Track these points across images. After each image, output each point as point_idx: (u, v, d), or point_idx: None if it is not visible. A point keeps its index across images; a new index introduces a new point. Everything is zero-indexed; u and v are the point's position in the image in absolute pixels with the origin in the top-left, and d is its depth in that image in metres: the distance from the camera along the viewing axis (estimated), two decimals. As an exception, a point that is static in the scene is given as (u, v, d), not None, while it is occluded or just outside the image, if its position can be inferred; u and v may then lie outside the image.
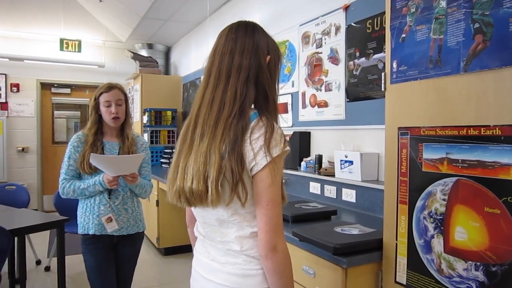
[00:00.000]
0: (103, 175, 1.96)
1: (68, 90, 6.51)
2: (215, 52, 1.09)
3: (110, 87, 2.08)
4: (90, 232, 2.03)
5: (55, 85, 6.40)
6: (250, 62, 1.05)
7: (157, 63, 5.81)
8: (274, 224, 0.98)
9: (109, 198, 2.04)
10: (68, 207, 3.68)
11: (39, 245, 4.23)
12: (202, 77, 1.13)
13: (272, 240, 0.98)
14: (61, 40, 5.74)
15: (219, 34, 1.12)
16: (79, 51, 5.89)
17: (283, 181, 1.07)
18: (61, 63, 6.01)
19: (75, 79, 6.39)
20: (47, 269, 3.71)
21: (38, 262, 3.86)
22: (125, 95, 2.15)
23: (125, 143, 2.12)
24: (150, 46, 6.17)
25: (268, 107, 1.07)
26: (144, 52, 6.06)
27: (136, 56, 5.72)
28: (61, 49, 5.76)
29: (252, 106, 1.06)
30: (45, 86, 6.33)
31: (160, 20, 5.03)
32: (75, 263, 3.74)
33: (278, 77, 1.14)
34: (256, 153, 0.98)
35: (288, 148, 1.02)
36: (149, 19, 4.97)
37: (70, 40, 5.81)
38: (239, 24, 1.11)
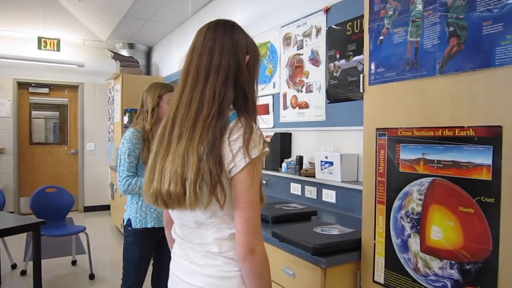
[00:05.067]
0: None
1: (46, 90, 6.37)
2: (193, 51, 1.07)
3: (173, 88, 2.14)
4: (149, 226, 2.09)
5: (33, 85, 6.24)
6: (229, 62, 1.03)
7: (138, 63, 5.74)
8: (252, 226, 0.97)
9: None
10: (44, 210, 3.61)
11: (15, 248, 4.13)
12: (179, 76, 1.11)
13: (250, 243, 0.97)
14: (39, 39, 5.61)
15: (197, 32, 1.10)
16: (58, 50, 5.77)
17: (263, 182, 1.07)
18: (39, 62, 5.86)
19: (53, 78, 6.25)
20: (23, 273, 3.61)
21: (14, 266, 3.76)
22: None
23: None
24: (131, 46, 6.09)
25: (247, 108, 1.06)
26: (125, 52, 5.98)
27: (116, 56, 5.63)
28: (39, 47, 5.63)
29: (231, 106, 1.05)
30: (22, 86, 6.16)
31: (142, 19, 4.97)
32: (52, 266, 3.66)
33: (257, 77, 1.14)
34: (235, 155, 0.97)
35: (267, 149, 1.01)
36: (130, 18, 4.90)
37: (48, 38, 5.68)
38: (217, 23, 1.09)
